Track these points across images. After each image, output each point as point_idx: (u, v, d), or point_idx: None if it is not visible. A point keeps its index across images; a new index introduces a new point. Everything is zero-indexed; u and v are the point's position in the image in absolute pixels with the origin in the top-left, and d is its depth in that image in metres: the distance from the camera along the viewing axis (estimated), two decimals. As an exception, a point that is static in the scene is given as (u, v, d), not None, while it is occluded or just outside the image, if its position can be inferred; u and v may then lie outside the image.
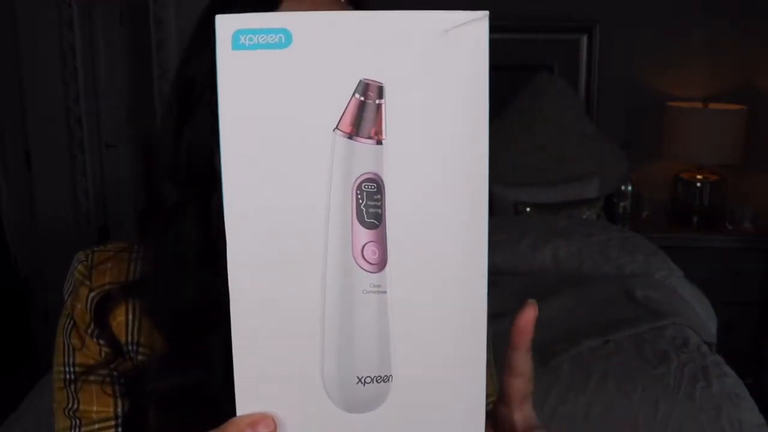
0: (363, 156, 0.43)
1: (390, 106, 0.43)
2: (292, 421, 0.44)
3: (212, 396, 0.61)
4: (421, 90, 0.43)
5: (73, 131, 3.34)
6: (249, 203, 0.43)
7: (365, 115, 0.43)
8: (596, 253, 2.48)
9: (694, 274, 2.52)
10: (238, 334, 0.44)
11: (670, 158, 3.20)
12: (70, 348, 0.68)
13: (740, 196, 3.19)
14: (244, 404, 0.44)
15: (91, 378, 0.67)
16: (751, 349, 3.04)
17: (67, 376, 0.68)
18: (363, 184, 0.44)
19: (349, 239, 0.44)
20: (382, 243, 0.44)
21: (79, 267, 0.70)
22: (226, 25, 0.42)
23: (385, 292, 0.44)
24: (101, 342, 0.67)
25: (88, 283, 0.69)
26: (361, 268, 0.44)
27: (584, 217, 2.96)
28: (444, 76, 0.43)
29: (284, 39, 0.42)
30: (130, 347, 0.68)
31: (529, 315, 0.50)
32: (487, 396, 0.47)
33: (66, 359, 0.68)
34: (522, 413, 0.52)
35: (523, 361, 0.50)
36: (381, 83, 0.42)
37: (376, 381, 0.45)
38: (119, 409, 0.67)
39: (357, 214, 0.44)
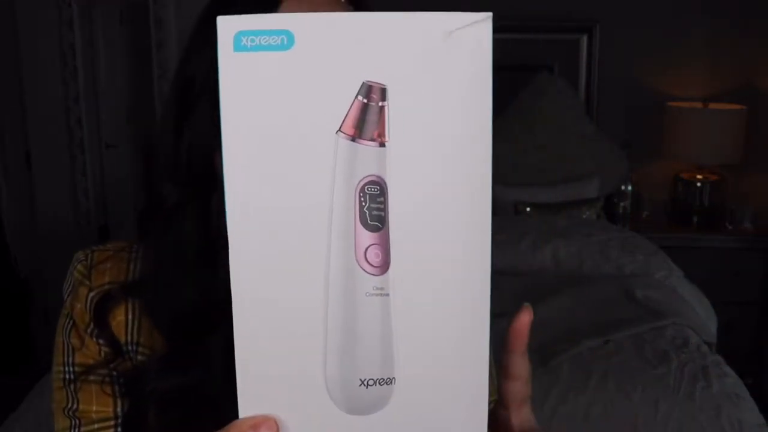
0: (366, 158, 0.43)
1: (393, 108, 0.43)
2: (294, 422, 0.44)
3: (212, 396, 0.61)
4: (424, 92, 0.43)
5: (73, 131, 3.34)
6: (251, 205, 0.43)
7: (368, 117, 0.42)
8: (596, 253, 2.48)
9: (694, 274, 2.52)
10: (240, 335, 0.43)
11: (670, 158, 3.20)
12: (70, 348, 0.68)
13: (740, 196, 3.19)
14: (246, 405, 0.44)
15: (91, 378, 0.67)
16: (751, 349, 3.04)
17: (67, 376, 0.68)
18: (366, 187, 0.43)
19: (351, 242, 0.44)
20: (385, 246, 0.44)
21: (79, 267, 0.70)
22: (227, 26, 0.42)
23: (387, 294, 0.44)
24: (101, 342, 0.67)
25: (87, 282, 0.69)
26: (364, 270, 0.44)
27: (584, 217, 2.96)
28: (447, 78, 0.43)
29: (286, 41, 0.41)
30: (129, 347, 0.67)
31: (524, 318, 0.50)
32: (489, 395, 0.47)
33: (65, 359, 0.68)
34: (520, 417, 0.52)
35: (519, 364, 0.50)
36: (384, 85, 0.42)
37: (379, 383, 0.45)
38: (119, 409, 0.67)
39: (360, 217, 0.43)
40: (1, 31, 3.32)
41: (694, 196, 3.15)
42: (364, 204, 0.43)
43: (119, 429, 0.67)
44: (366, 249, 0.44)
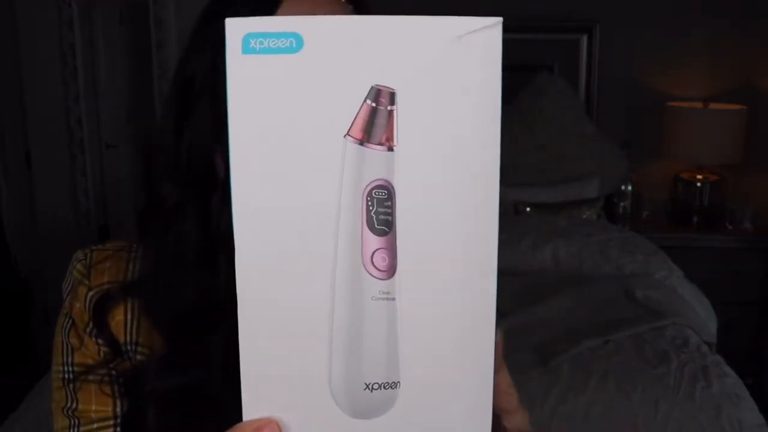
0: (374, 162, 0.43)
1: (402, 112, 0.43)
2: (298, 425, 0.44)
3: (212, 396, 0.61)
4: (433, 96, 0.43)
5: (73, 131, 3.34)
6: (258, 207, 0.42)
7: (377, 121, 0.42)
8: (596, 253, 2.48)
9: (694, 274, 2.52)
10: (244, 337, 0.43)
11: (670, 158, 3.20)
12: (69, 347, 0.68)
13: (740, 196, 3.19)
14: (250, 406, 0.44)
15: (90, 377, 0.67)
16: (751, 349, 3.04)
17: (66, 376, 0.68)
18: (373, 191, 0.43)
19: (358, 246, 0.43)
20: (391, 250, 0.44)
21: (78, 266, 0.70)
22: (236, 28, 0.41)
23: (394, 299, 0.44)
24: (100, 341, 0.67)
25: (86, 282, 0.69)
26: (371, 275, 0.44)
27: (584, 217, 2.96)
28: (456, 82, 0.43)
29: (295, 43, 0.41)
30: (128, 347, 0.67)
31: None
32: None
33: (65, 359, 0.68)
34: (512, 423, 0.53)
35: (501, 381, 0.51)
36: (393, 89, 0.42)
37: (384, 387, 0.45)
38: (118, 409, 0.67)
39: (367, 221, 0.43)
40: (1, 31, 3.32)
41: (694, 196, 3.15)
42: (371, 208, 0.43)
43: (118, 429, 0.67)
44: (373, 253, 0.44)
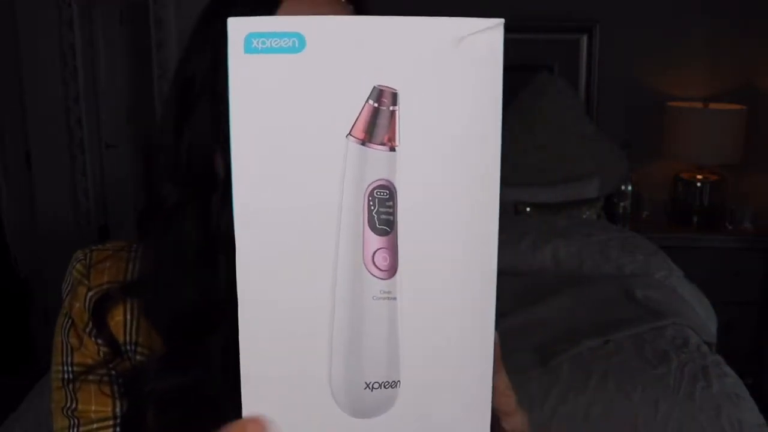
0: (376, 162, 0.43)
1: (403, 112, 0.43)
2: (297, 424, 0.44)
3: (212, 396, 0.61)
4: (434, 97, 0.43)
5: (73, 131, 3.34)
6: (259, 207, 0.43)
7: (379, 121, 0.42)
8: (596, 253, 2.48)
9: (694, 274, 2.52)
10: (245, 337, 0.43)
11: (670, 158, 3.20)
12: (69, 347, 0.68)
13: (740, 196, 3.19)
14: (250, 405, 0.44)
15: (90, 377, 0.67)
16: (751, 349, 3.04)
17: (66, 376, 0.67)
18: (375, 191, 0.43)
19: (360, 245, 0.44)
20: (393, 249, 0.44)
21: (78, 266, 0.70)
22: (238, 27, 0.41)
23: (395, 298, 0.44)
24: (99, 341, 0.67)
25: (86, 282, 0.69)
26: (372, 274, 0.44)
27: (584, 217, 2.96)
28: (458, 83, 0.43)
29: (297, 43, 0.41)
30: (128, 347, 0.67)
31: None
32: None
33: (64, 359, 0.68)
34: (511, 425, 0.54)
35: (498, 383, 0.51)
36: (395, 90, 0.42)
37: (384, 387, 0.45)
38: (117, 409, 0.67)
39: (368, 221, 0.44)
40: (1, 31, 3.32)
41: (694, 196, 3.15)
42: (372, 208, 0.43)
43: (118, 429, 0.67)
44: (374, 252, 0.44)
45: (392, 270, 0.44)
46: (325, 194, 0.43)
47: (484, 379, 0.46)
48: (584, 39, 3.24)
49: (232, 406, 0.44)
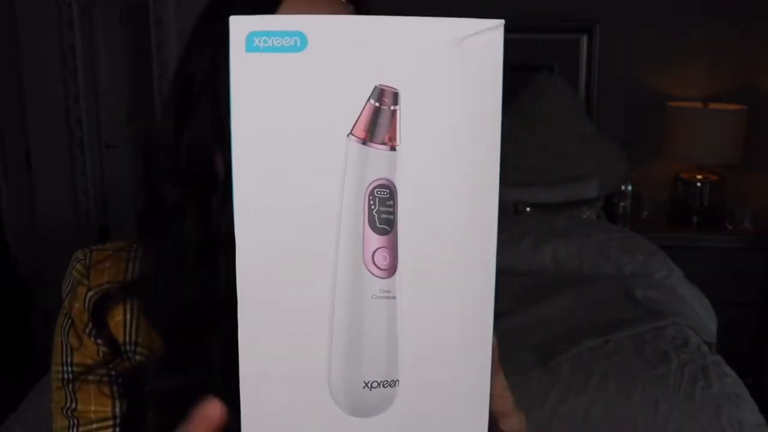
0: (376, 162, 0.43)
1: (404, 112, 0.43)
2: (296, 424, 0.44)
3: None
4: (435, 97, 0.43)
5: (73, 131, 3.34)
6: (259, 206, 0.43)
7: (380, 121, 0.42)
8: (596, 253, 2.48)
9: (694, 274, 2.52)
10: (243, 336, 0.43)
11: (670, 158, 3.20)
12: (68, 347, 0.68)
13: (740, 196, 3.19)
14: (249, 405, 0.44)
15: (89, 378, 0.67)
16: (751, 349, 3.04)
17: (65, 376, 0.68)
18: (376, 190, 0.44)
19: (360, 244, 0.44)
20: (393, 249, 0.44)
21: (78, 266, 0.70)
22: (240, 26, 0.41)
23: (394, 297, 0.44)
24: (99, 342, 0.67)
25: (86, 282, 0.69)
26: (372, 273, 0.44)
27: (584, 217, 2.96)
28: (458, 83, 0.43)
29: (299, 42, 0.41)
30: (128, 347, 0.67)
31: None
32: None
33: (64, 359, 0.68)
34: (508, 426, 0.54)
35: (496, 385, 0.51)
36: (396, 89, 0.42)
37: (383, 386, 0.45)
38: (117, 409, 0.67)
39: (369, 220, 0.44)
40: (1, 31, 3.32)
41: (694, 196, 3.15)
42: (373, 207, 0.44)
43: (118, 429, 0.67)
44: (374, 252, 0.44)
45: (392, 269, 0.44)
46: (326, 193, 0.43)
47: (482, 378, 0.46)
48: (584, 39, 3.24)
49: (232, 406, 0.44)
